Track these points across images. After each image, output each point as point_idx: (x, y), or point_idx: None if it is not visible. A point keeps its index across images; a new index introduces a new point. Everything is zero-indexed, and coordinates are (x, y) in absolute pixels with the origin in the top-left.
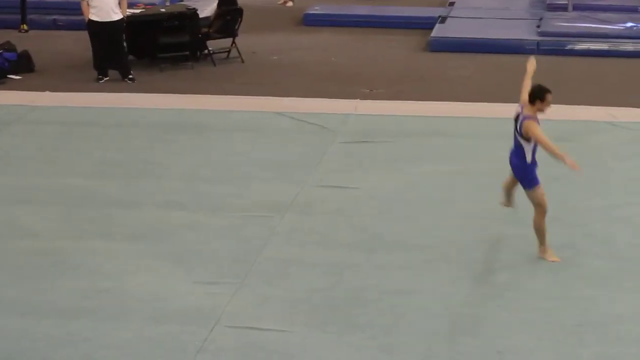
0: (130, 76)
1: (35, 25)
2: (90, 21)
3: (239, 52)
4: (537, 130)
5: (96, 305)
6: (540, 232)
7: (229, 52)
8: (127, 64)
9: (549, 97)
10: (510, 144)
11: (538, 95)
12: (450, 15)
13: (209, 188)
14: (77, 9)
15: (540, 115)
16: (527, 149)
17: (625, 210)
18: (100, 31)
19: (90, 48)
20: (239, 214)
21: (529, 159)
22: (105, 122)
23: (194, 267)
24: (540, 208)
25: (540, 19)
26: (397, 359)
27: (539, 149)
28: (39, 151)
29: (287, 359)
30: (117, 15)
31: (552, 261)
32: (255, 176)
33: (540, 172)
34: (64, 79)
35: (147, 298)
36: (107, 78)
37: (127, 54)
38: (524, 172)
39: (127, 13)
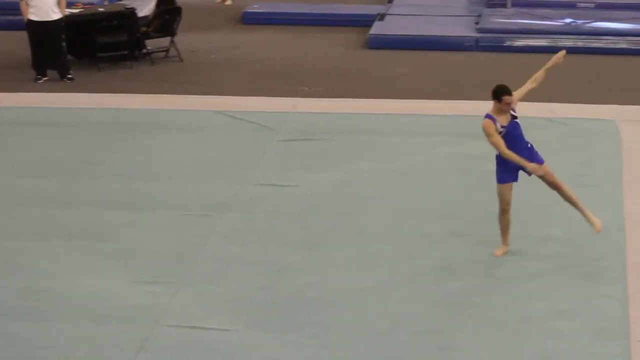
0: (69, 76)
1: None
2: (29, 21)
3: (177, 51)
4: (490, 131)
5: (35, 306)
6: (500, 227)
7: (167, 51)
8: (66, 63)
9: (505, 98)
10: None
11: (495, 96)
12: (389, 12)
13: (148, 187)
14: (15, 9)
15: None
16: None
17: (563, 206)
18: (39, 31)
19: (29, 48)
20: (178, 213)
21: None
22: (44, 121)
23: (134, 266)
24: (500, 203)
25: (479, 16)
26: (338, 357)
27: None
28: None
29: (228, 357)
30: (56, 15)
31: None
32: (195, 175)
33: (474, 168)
34: (1, 78)
35: (87, 298)
36: (46, 78)
37: (66, 53)
38: (496, 166)
39: (66, 13)
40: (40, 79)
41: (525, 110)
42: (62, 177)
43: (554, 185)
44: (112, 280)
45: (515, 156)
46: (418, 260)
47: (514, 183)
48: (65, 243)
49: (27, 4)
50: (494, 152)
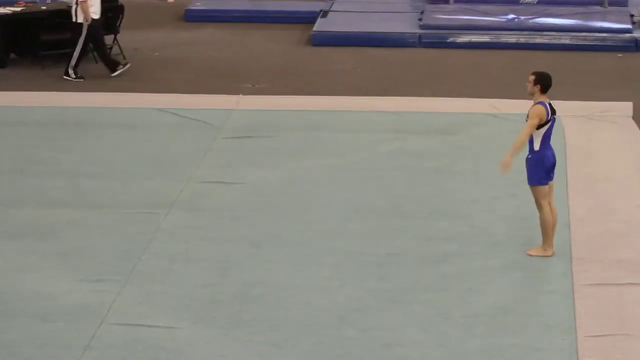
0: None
1: None
2: (93, 20)
3: (120, 49)
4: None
5: None
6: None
7: (110, 48)
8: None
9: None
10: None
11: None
12: (332, 9)
13: (92, 185)
14: None
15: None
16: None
17: (507, 201)
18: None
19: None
20: (123, 211)
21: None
22: None
23: (79, 264)
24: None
25: (422, 12)
26: (285, 354)
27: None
28: None
29: (174, 355)
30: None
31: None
32: (139, 173)
33: (417, 164)
34: None
35: (32, 296)
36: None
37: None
38: (531, 167)
39: (7, 11)
40: (82, 78)
41: (469, 107)
42: (6, 176)
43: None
44: (58, 278)
45: (517, 145)
46: (364, 257)
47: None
48: (10, 242)
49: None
50: (438, 149)
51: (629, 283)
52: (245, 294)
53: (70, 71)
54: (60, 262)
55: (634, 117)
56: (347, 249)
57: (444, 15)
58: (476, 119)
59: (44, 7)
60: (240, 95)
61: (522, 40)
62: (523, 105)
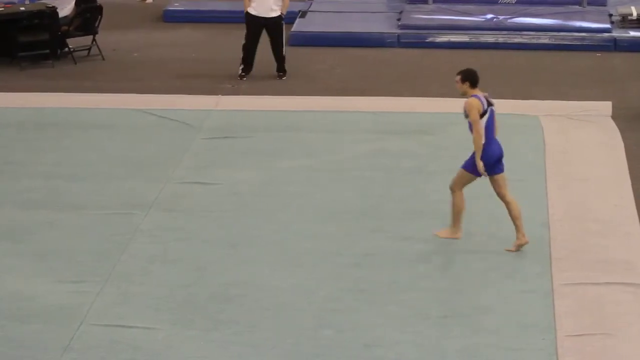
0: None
1: None
2: (247, 14)
3: (99, 50)
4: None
5: None
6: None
7: (89, 49)
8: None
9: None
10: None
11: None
12: (310, 9)
13: (70, 186)
14: None
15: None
16: None
17: (484, 201)
18: (258, 24)
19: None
20: (101, 212)
21: None
22: None
23: (57, 265)
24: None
25: (401, 12)
26: (263, 355)
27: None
28: None
29: (153, 356)
30: (275, 13)
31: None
32: (117, 174)
33: (395, 164)
34: None
35: (9, 298)
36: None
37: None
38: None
39: None
40: (244, 76)
41: (448, 106)
42: None
43: (501, 197)
44: (35, 280)
45: (479, 145)
46: (341, 257)
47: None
48: None
49: None
50: (416, 149)
51: (608, 282)
52: (223, 294)
53: None
54: (37, 263)
55: (612, 117)
56: (324, 250)
57: (422, 15)
58: (454, 119)
59: (23, 8)
60: (220, 96)
61: (501, 40)
62: (502, 106)
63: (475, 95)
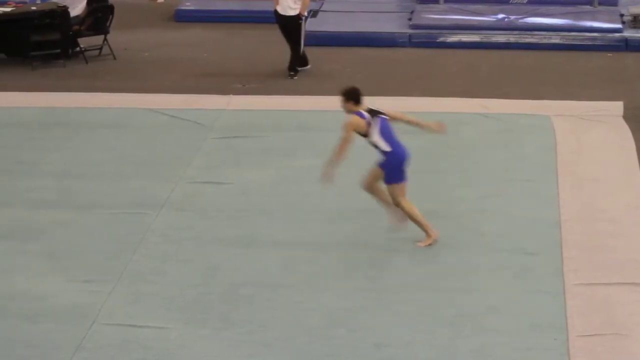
0: (294, 71)
1: None
2: (275, 11)
3: (110, 49)
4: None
5: None
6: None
7: (100, 49)
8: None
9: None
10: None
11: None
12: (322, 9)
13: (80, 186)
14: None
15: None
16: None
17: (495, 200)
18: (279, 23)
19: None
20: (112, 212)
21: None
22: None
23: (69, 265)
24: (398, 200)
25: (412, 12)
26: (275, 354)
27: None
28: None
29: (165, 355)
30: (293, 11)
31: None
32: (128, 173)
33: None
34: None
35: (21, 297)
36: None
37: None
38: (387, 167)
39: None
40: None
41: (458, 106)
42: None
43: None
44: (47, 279)
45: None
46: (354, 256)
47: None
48: (0, 242)
49: None
50: (427, 148)
51: (619, 282)
52: (235, 294)
53: None
54: (48, 262)
55: (624, 117)
56: (336, 249)
57: (434, 15)
58: (466, 119)
59: (34, 8)
60: (231, 96)
61: (512, 39)
62: (513, 105)
63: (358, 112)
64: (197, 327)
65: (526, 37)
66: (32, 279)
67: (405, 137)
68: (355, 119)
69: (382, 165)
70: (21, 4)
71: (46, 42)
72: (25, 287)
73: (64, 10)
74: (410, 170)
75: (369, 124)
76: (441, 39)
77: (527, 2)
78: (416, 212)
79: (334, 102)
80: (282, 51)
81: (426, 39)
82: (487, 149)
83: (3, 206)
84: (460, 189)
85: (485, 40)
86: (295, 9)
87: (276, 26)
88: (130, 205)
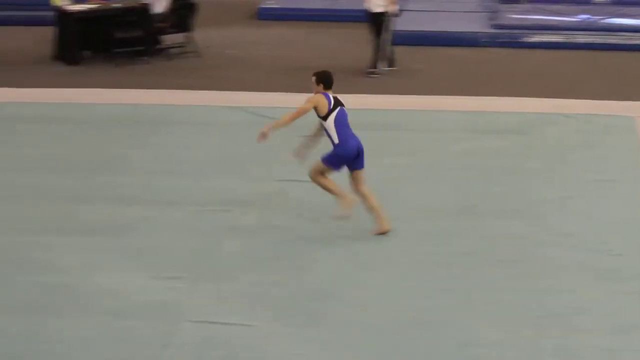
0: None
1: None
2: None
3: (193, 47)
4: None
5: (55, 301)
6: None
7: (183, 46)
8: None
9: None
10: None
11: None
12: (405, 9)
13: (166, 182)
14: (30, 5)
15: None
16: None
17: (579, 201)
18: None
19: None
20: (197, 209)
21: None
22: (61, 117)
23: (154, 261)
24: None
25: (494, 12)
26: (358, 353)
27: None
28: None
29: (251, 352)
30: (379, 9)
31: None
32: (213, 171)
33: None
34: (17, 74)
35: (107, 293)
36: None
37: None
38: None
39: (82, 8)
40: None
41: (541, 107)
42: (81, 173)
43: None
44: (133, 275)
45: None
46: (437, 256)
47: None
48: (85, 239)
49: None
50: (510, 149)
51: None
52: (319, 292)
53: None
54: (135, 259)
55: None
56: (420, 249)
57: (516, 15)
58: (548, 119)
59: (118, 5)
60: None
61: (594, 40)
62: (596, 106)
63: (325, 94)
64: (282, 325)
65: (609, 38)
66: (118, 276)
67: (486, 138)
68: (321, 97)
69: (328, 154)
70: (105, 1)
71: (130, 39)
72: (111, 283)
73: (146, 7)
74: (495, 170)
75: (330, 108)
76: (523, 39)
77: (610, 3)
78: (329, 182)
79: (417, 101)
80: (364, 51)
81: (508, 39)
82: (570, 149)
83: (89, 202)
84: (544, 189)
85: (568, 40)
86: (382, 6)
87: (362, 25)
88: (215, 203)
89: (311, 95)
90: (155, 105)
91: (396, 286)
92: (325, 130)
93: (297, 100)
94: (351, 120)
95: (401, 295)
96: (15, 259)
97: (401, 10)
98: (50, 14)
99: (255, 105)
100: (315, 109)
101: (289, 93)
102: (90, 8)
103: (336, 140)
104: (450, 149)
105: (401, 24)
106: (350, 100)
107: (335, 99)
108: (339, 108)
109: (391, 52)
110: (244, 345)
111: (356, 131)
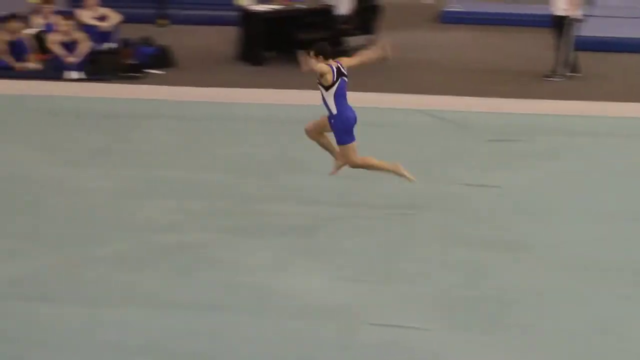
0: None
1: (174, 20)
2: None
3: (377, 50)
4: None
5: (237, 300)
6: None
7: (366, 48)
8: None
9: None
10: None
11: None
12: (591, 14)
13: (349, 184)
14: (214, 4)
15: None
16: None
17: None
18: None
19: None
20: (379, 211)
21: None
22: (243, 116)
23: (335, 263)
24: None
25: None
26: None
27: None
28: (179, 145)
29: (431, 357)
30: (562, 12)
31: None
32: None
33: None
34: (205, 73)
35: (288, 293)
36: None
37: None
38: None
39: (268, 8)
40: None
41: None
42: (269, 174)
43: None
44: (314, 276)
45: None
46: (616, 264)
47: None
48: (269, 239)
49: None
50: None
51: None
52: (501, 298)
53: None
54: (317, 260)
55: None
56: (597, 256)
57: None
58: None
59: (302, 6)
60: (496, 98)
61: None
62: None
63: (330, 65)
64: (463, 330)
65: None
66: (299, 276)
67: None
68: (327, 68)
69: (333, 127)
70: (288, 2)
71: (313, 40)
72: (292, 283)
73: (331, 9)
74: None
75: (333, 80)
76: None
77: None
78: (374, 162)
79: (599, 107)
80: (545, 57)
81: None
82: None
83: (274, 202)
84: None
85: None
86: (565, 9)
87: (547, 30)
88: (398, 206)
89: (319, 65)
90: None
91: (576, 294)
92: (324, 99)
93: (478, 104)
94: (530, 124)
95: (581, 303)
96: (200, 258)
97: (585, 16)
98: (234, 13)
99: (438, 108)
100: (321, 76)
101: (473, 97)
102: (274, 9)
103: (334, 111)
104: (628, 155)
105: (586, 30)
106: (528, 106)
107: (338, 69)
108: (340, 80)
109: (574, 58)
110: (425, 350)
111: (534, 137)
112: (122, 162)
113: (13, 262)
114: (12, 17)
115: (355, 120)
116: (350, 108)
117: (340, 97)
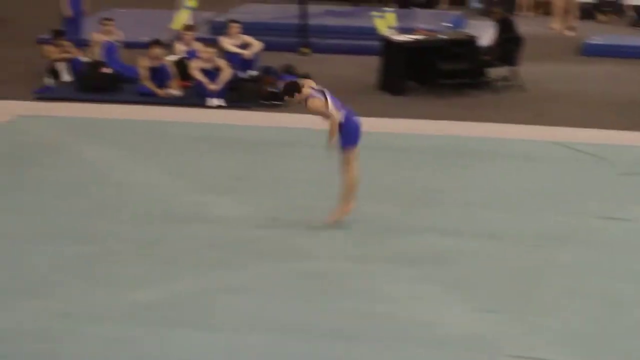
0: None
1: (315, 49)
2: None
3: (519, 81)
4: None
5: (372, 328)
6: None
7: (509, 80)
8: None
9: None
10: None
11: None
12: None
13: (485, 215)
14: (356, 33)
15: None
16: None
17: None
18: None
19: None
20: (516, 242)
21: None
22: (383, 146)
23: (471, 293)
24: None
25: None
26: None
27: None
28: (321, 173)
29: None
30: None
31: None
32: (530, 205)
33: None
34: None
35: (424, 323)
36: None
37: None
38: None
39: (409, 39)
40: None
41: None
42: (402, 202)
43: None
44: (449, 307)
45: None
46: None
47: None
48: (405, 268)
49: None
50: None
51: None
52: (637, 331)
53: None
54: (452, 290)
55: None
56: None
57: None
58: None
59: (444, 37)
60: (637, 132)
61: None
62: None
63: (310, 95)
64: None
65: None
66: (434, 306)
67: None
68: (314, 100)
69: (342, 140)
70: (430, 32)
71: (455, 71)
72: (427, 314)
73: (474, 39)
74: None
75: (325, 101)
76: None
77: None
78: (355, 185)
79: None
80: None
81: None
82: None
83: (411, 232)
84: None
85: None
86: None
87: None
88: (534, 237)
89: (309, 106)
90: (476, 137)
91: None
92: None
93: (621, 137)
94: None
95: None
96: (335, 286)
97: None
98: (375, 43)
99: (576, 141)
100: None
101: (611, 130)
102: (417, 39)
103: (342, 120)
104: None
105: None
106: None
107: (320, 89)
108: (328, 95)
109: None
110: None
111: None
112: (263, 189)
113: (150, 287)
114: (155, 43)
115: (359, 125)
116: (351, 114)
117: (338, 107)
